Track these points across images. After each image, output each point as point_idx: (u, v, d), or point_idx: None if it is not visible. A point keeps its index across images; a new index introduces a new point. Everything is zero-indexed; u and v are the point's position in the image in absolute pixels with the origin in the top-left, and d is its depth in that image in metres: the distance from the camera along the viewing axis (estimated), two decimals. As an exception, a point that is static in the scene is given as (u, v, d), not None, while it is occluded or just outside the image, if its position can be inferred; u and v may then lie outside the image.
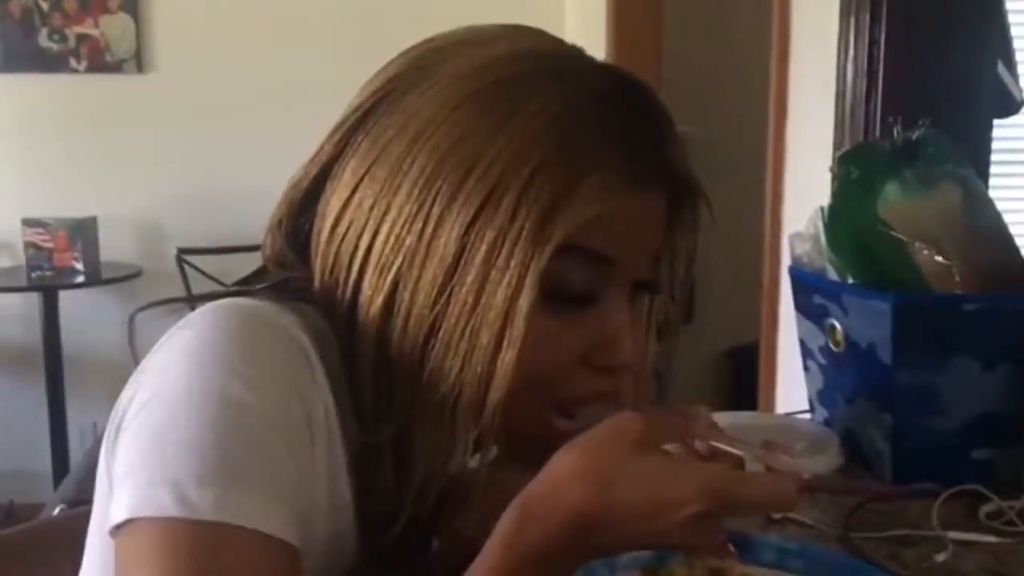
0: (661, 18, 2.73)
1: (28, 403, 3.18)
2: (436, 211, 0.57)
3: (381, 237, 0.59)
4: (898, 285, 0.95)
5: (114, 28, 3.25)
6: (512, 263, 0.56)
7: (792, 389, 1.59)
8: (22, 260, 3.09)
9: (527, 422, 0.62)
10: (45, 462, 3.07)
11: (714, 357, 3.62)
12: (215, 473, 0.52)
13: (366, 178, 0.60)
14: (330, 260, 0.61)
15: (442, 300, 0.57)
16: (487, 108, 0.58)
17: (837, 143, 1.46)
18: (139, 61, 3.27)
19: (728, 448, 0.54)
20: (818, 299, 1.04)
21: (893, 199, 0.98)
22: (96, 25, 3.24)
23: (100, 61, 3.25)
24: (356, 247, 0.60)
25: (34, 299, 3.10)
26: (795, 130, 1.72)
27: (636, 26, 2.63)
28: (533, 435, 0.63)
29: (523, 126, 0.57)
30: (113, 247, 3.18)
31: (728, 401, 3.39)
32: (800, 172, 1.72)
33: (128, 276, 3.11)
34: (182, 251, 3.01)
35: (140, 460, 0.53)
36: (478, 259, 0.57)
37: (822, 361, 1.07)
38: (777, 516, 0.86)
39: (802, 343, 1.11)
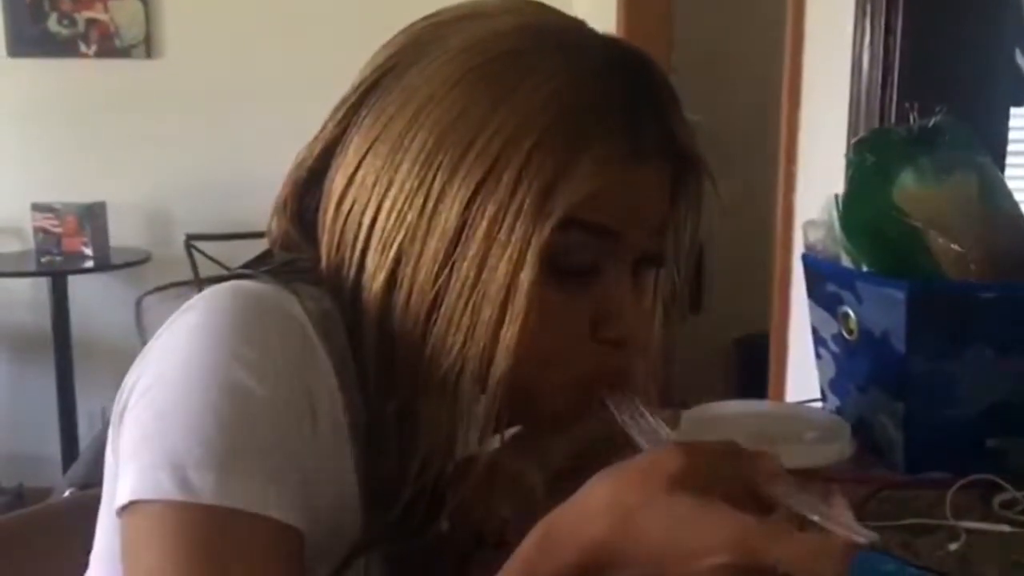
0: (672, 3, 2.71)
1: (37, 387, 3.20)
2: (437, 186, 0.57)
3: (383, 213, 0.59)
4: (913, 273, 0.94)
5: (123, 13, 3.24)
6: (513, 237, 0.56)
7: (803, 378, 1.58)
8: (31, 245, 3.10)
9: (553, 401, 0.62)
10: (54, 446, 3.08)
11: (722, 346, 3.61)
12: (216, 457, 0.52)
13: (369, 155, 0.60)
14: (335, 238, 0.61)
15: (444, 275, 0.57)
16: (488, 83, 0.58)
17: (852, 130, 1.44)
18: (148, 46, 3.26)
19: (785, 500, 0.48)
20: (832, 287, 1.03)
21: (909, 186, 0.97)
22: (105, 10, 3.23)
23: (109, 46, 3.25)
24: (360, 224, 0.60)
25: (43, 284, 3.11)
26: (809, 117, 1.71)
27: (647, 11, 2.61)
28: (562, 413, 0.63)
29: (524, 100, 0.57)
30: (122, 232, 3.19)
31: (736, 390, 3.39)
32: (813, 159, 1.71)
33: (137, 261, 3.11)
34: (191, 237, 3.01)
35: (143, 443, 0.53)
36: (479, 234, 0.56)
37: (834, 349, 1.06)
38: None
39: (814, 331, 1.11)
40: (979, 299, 0.92)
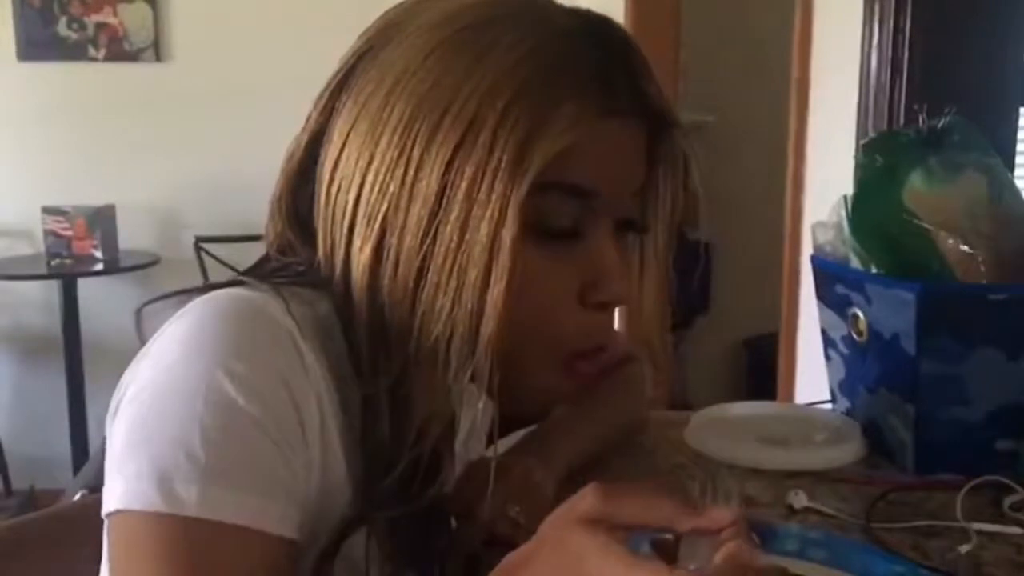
0: (679, 3, 2.71)
1: (48, 390, 3.21)
2: (416, 154, 0.58)
3: (367, 187, 0.60)
4: (923, 274, 0.94)
5: (132, 17, 3.26)
6: (493, 196, 0.57)
7: (812, 379, 1.58)
8: (42, 248, 3.11)
9: (540, 377, 0.63)
10: (65, 448, 3.10)
11: (731, 347, 3.61)
12: (202, 469, 0.52)
13: (351, 134, 0.61)
14: (329, 222, 0.62)
15: (428, 240, 0.58)
16: (459, 51, 0.59)
17: (860, 131, 1.44)
18: (157, 50, 3.28)
19: (685, 551, 0.47)
20: (841, 288, 1.03)
21: (918, 188, 0.97)
22: (115, 14, 3.25)
23: (118, 50, 3.27)
24: (346, 202, 0.61)
25: (53, 287, 3.13)
26: (817, 118, 1.71)
27: (655, 11, 2.61)
28: (547, 390, 0.64)
29: (496, 63, 0.58)
30: (131, 235, 3.20)
31: (745, 391, 3.38)
32: (822, 160, 1.70)
33: (146, 264, 3.13)
34: (200, 239, 3.03)
35: (129, 451, 0.54)
36: (460, 195, 0.57)
37: (844, 351, 1.06)
38: (799, 507, 0.85)
39: (824, 333, 1.10)
40: (989, 300, 0.92)
